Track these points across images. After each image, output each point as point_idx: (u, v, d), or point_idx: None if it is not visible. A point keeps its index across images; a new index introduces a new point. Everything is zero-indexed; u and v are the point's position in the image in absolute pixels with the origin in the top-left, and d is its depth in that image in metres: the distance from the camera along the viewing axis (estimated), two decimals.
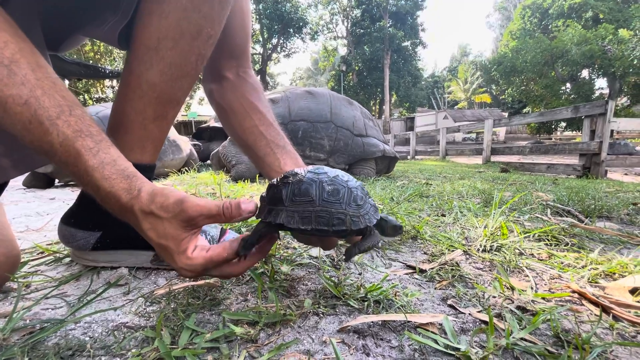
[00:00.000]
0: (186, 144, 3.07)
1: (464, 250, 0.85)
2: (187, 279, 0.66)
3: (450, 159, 7.92)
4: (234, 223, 0.84)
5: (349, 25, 29.01)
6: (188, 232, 0.44)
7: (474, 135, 21.28)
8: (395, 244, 0.95)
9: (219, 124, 3.81)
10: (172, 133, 2.89)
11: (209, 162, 4.87)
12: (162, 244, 0.44)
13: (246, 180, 2.31)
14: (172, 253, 0.44)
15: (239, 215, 0.44)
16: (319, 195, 0.43)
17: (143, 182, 0.46)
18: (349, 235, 0.46)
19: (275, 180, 0.47)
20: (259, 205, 0.48)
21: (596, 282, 0.67)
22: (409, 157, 9.20)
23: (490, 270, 0.75)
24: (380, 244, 0.58)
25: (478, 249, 0.86)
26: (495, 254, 0.82)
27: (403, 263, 0.81)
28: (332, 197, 0.43)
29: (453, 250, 0.85)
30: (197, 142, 3.93)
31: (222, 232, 0.70)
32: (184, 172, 2.79)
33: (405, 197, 1.75)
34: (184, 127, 16.91)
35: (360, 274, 0.73)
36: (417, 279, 0.71)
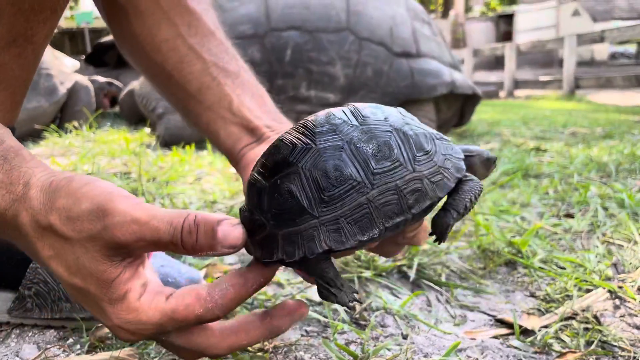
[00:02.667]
0: (67, 77, 3.04)
1: (610, 290, 0.85)
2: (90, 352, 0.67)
3: (585, 96, 7.80)
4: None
5: None
6: (119, 265, 0.46)
7: (633, 49, 20.71)
8: (474, 276, 0.94)
9: None
10: None
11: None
12: (77, 286, 0.46)
13: (188, 145, 2.30)
14: (98, 301, 0.46)
15: (210, 248, 0.45)
16: (363, 169, 0.46)
17: (31, 168, 0.48)
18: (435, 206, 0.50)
19: (259, 172, 0.48)
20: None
21: None
22: (502, 93, 9.12)
23: None
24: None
25: (638, 288, 0.86)
26: None
27: (488, 314, 0.81)
28: (386, 161, 0.46)
29: (589, 291, 0.85)
30: (112, 80, 3.85)
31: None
32: (69, 130, 2.79)
33: (493, 179, 1.73)
34: (70, 41, 16.81)
35: (405, 336, 0.73)
36: (517, 348, 0.71)
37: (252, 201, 0.48)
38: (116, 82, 3.86)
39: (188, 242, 0.44)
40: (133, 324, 0.46)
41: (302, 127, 0.48)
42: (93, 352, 0.66)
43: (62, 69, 3.07)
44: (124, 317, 0.46)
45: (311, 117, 0.49)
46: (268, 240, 0.47)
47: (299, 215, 0.45)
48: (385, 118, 0.49)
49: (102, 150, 2.20)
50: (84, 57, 5.22)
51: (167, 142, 2.52)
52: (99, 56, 4.74)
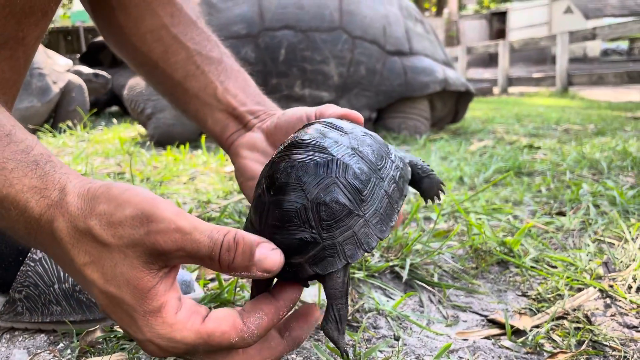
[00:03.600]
0: (60, 77, 2.99)
1: (601, 289, 0.84)
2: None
3: (577, 92, 7.82)
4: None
5: None
6: (156, 275, 0.46)
7: (625, 45, 20.77)
8: (467, 276, 0.94)
9: None
10: None
11: (115, 108, 4.87)
12: (111, 295, 0.46)
13: (182, 144, 2.29)
14: (132, 312, 0.46)
15: (245, 268, 0.46)
16: (373, 168, 0.53)
17: (66, 174, 0.48)
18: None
19: (291, 194, 0.49)
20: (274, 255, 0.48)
21: None
22: (496, 89, 9.14)
23: None
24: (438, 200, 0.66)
25: (629, 287, 0.85)
26: None
27: (480, 315, 0.81)
28: (379, 159, 0.55)
29: (580, 290, 0.85)
30: (100, 72, 3.74)
31: None
32: (63, 130, 2.77)
33: (486, 177, 1.73)
34: (65, 39, 16.74)
35: (397, 338, 0.73)
36: (508, 349, 0.71)
37: (292, 222, 0.48)
38: (102, 73, 3.76)
39: (225, 259, 0.45)
40: (165, 340, 0.46)
41: (309, 145, 0.51)
42: (83, 358, 0.66)
43: (55, 68, 3.05)
44: (156, 331, 0.45)
45: (305, 136, 0.52)
46: (323, 252, 0.48)
47: (349, 219, 0.49)
48: (351, 127, 0.56)
49: (96, 150, 2.19)
50: (78, 56, 5.19)
51: (159, 141, 2.52)
52: (94, 55, 4.72)
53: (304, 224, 0.47)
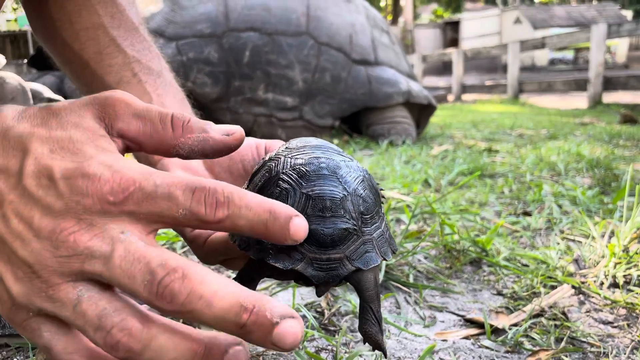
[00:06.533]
0: None
1: (574, 286, 0.86)
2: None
3: (527, 99, 8.10)
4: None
5: None
6: (104, 131, 0.43)
7: (570, 55, 21.71)
8: (441, 276, 0.94)
9: None
10: None
11: None
12: (57, 137, 0.41)
13: None
14: (80, 145, 0.41)
15: (201, 128, 0.43)
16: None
17: None
18: None
19: (326, 185, 0.48)
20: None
21: None
22: (450, 96, 9.36)
23: (629, 324, 0.75)
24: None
25: (601, 283, 0.86)
26: (637, 293, 0.82)
27: (457, 315, 0.81)
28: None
29: (554, 287, 0.86)
30: (53, 97, 3.49)
31: None
32: None
33: (451, 179, 1.74)
34: (12, 44, 16.14)
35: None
36: (488, 348, 0.70)
37: (336, 213, 0.46)
38: (58, 99, 3.57)
39: (176, 122, 0.43)
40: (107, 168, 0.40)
41: (325, 147, 0.51)
42: None
43: None
44: (103, 159, 0.40)
45: (314, 141, 0.52)
46: (364, 247, 0.47)
47: (377, 217, 0.49)
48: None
49: None
50: (25, 61, 5.00)
51: None
52: (43, 59, 4.54)
53: (346, 214, 0.46)
